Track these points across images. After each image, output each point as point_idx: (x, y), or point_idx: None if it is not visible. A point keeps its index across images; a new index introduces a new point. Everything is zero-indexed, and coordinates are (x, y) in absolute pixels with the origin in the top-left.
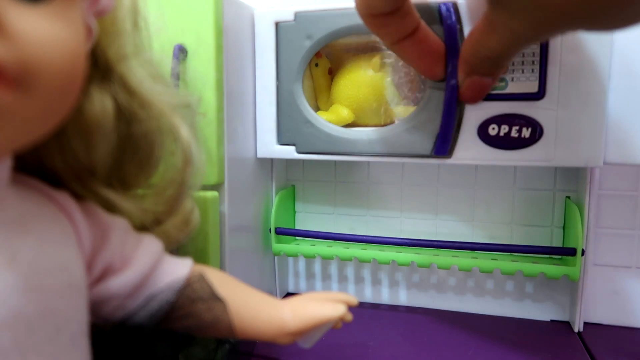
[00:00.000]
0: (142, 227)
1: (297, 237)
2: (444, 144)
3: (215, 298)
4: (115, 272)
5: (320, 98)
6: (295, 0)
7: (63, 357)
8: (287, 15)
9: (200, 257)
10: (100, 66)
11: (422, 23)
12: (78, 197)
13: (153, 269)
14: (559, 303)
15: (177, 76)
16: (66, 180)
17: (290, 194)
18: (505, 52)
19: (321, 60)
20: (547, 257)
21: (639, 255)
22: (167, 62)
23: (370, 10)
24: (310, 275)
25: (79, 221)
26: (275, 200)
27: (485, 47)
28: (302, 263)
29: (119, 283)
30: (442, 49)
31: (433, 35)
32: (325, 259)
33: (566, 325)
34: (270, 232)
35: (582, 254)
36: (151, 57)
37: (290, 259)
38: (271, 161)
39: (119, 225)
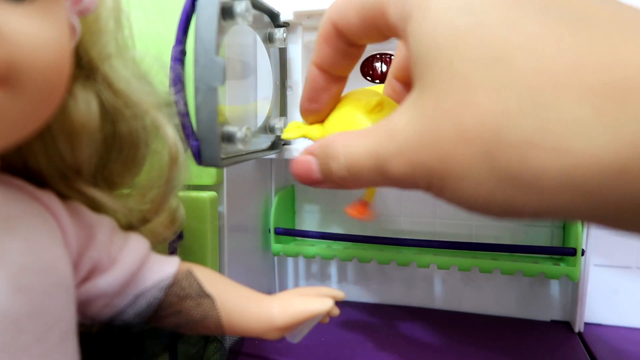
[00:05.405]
0: (128, 226)
1: (296, 238)
2: None
3: (203, 295)
4: (103, 271)
5: None
6: None
7: (52, 356)
8: None
9: (199, 258)
10: (84, 65)
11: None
12: (63, 196)
13: (140, 268)
14: (559, 303)
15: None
16: (51, 180)
17: (290, 194)
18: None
19: None
20: (547, 257)
21: (639, 255)
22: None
23: (335, 18)
24: (310, 276)
25: (65, 221)
26: (274, 200)
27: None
28: (301, 263)
29: (106, 282)
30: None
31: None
32: (325, 259)
33: (566, 325)
34: (269, 232)
35: (582, 254)
36: (135, 55)
37: (290, 259)
38: (270, 161)
39: (105, 225)
